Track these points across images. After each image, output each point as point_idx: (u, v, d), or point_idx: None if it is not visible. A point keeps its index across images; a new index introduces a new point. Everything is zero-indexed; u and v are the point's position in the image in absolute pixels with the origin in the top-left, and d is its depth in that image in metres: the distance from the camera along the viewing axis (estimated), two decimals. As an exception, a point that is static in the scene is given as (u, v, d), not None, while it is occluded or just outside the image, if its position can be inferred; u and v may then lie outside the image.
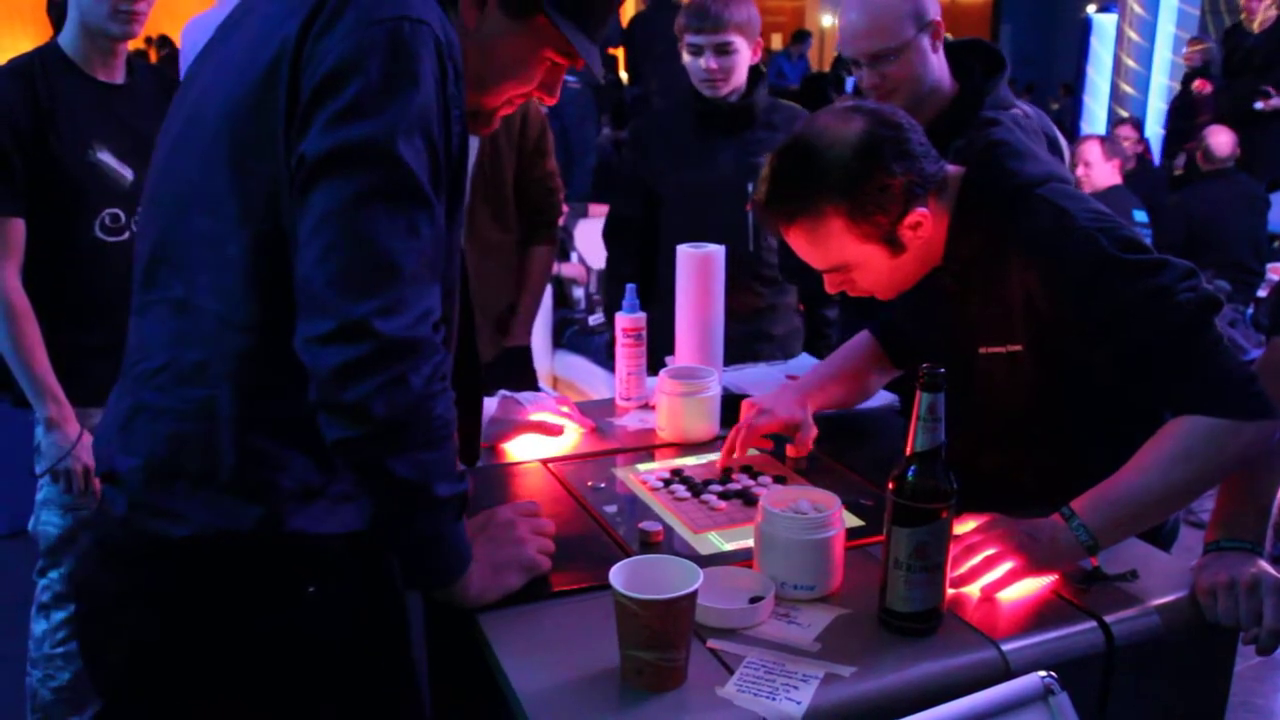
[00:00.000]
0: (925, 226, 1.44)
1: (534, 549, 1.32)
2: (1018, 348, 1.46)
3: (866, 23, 1.85)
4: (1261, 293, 4.98)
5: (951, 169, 1.50)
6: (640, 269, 2.63)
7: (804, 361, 2.44)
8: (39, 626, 2.30)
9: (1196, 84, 6.47)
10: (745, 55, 2.49)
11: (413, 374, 1.06)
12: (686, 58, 2.52)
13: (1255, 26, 6.56)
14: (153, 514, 1.15)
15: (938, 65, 1.91)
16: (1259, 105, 5.89)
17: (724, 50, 2.45)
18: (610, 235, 2.81)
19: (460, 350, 1.32)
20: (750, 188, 2.45)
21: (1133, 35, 9.22)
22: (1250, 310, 4.81)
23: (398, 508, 1.16)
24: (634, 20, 6.98)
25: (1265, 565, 1.32)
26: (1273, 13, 6.47)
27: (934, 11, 1.88)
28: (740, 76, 2.50)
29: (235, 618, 1.16)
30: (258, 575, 1.16)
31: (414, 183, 1.07)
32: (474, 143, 2.43)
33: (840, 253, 1.46)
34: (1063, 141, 2.00)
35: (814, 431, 1.72)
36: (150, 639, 1.17)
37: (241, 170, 1.11)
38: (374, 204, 1.05)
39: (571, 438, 1.84)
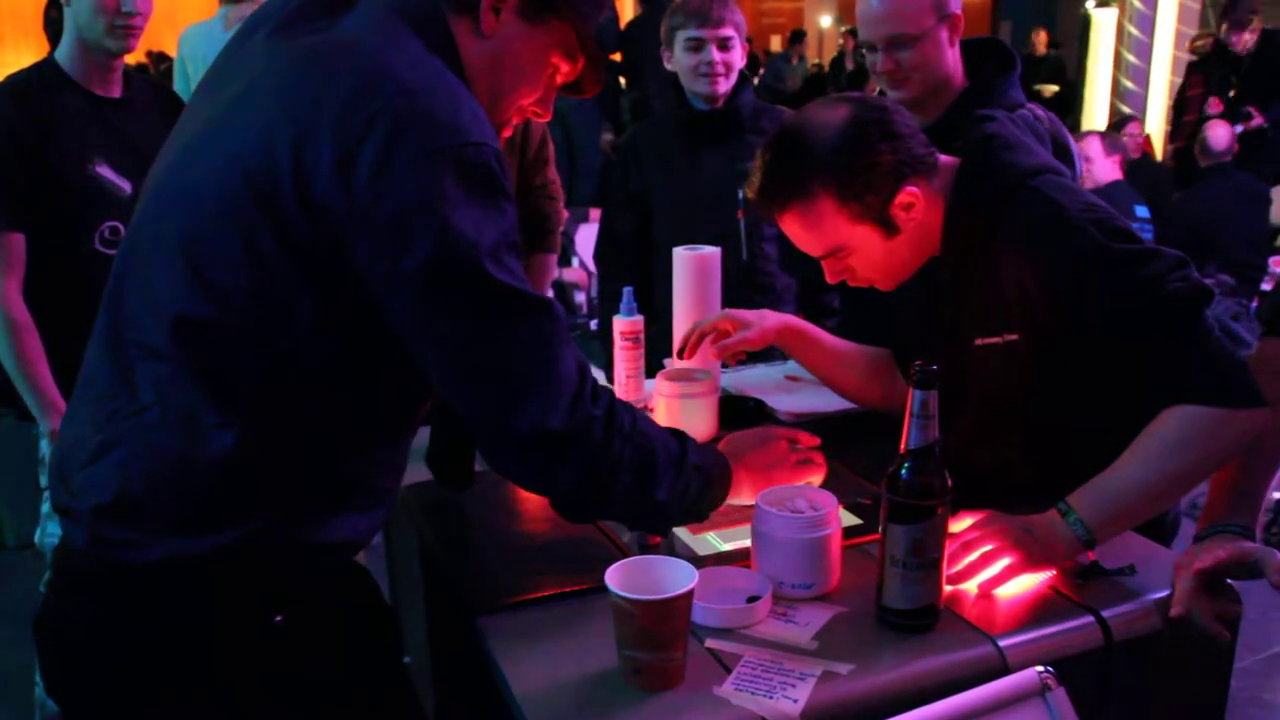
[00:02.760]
0: (918, 208, 1.45)
1: (790, 452, 1.47)
2: (1014, 337, 1.47)
3: (888, 7, 1.86)
4: (1266, 286, 4.97)
5: (946, 160, 1.51)
6: (635, 284, 2.62)
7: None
8: (46, 638, 2.31)
9: (1210, 104, 6.51)
10: (739, 55, 2.49)
11: (593, 450, 1.17)
12: (681, 56, 2.48)
13: (1239, 50, 6.70)
14: (115, 545, 1.12)
15: (952, 60, 1.91)
16: (1239, 128, 5.94)
17: (726, 45, 2.44)
18: (601, 254, 2.79)
19: None
20: (740, 195, 2.45)
21: (1132, 30, 9.20)
22: (1254, 305, 4.80)
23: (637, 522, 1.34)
24: (631, 24, 6.99)
25: (1219, 542, 1.28)
26: (1254, 36, 6.62)
27: (955, 5, 1.88)
28: (735, 76, 2.50)
29: (204, 645, 1.13)
30: (224, 602, 1.13)
31: (512, 293, 1.11)
32: None
33: (834, 235, 1.48)
34: (1074, 148, 1.98)
35: (751, 342, 1.79)
36: (123, 668, 1.15)
37: (257, 240, 1.08)
38: (492, 330, 1.11)
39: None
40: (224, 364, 1.11)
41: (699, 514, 1.35)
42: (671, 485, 1.25)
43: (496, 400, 1.14)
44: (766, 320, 1.81)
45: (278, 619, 1.14)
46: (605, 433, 1.18)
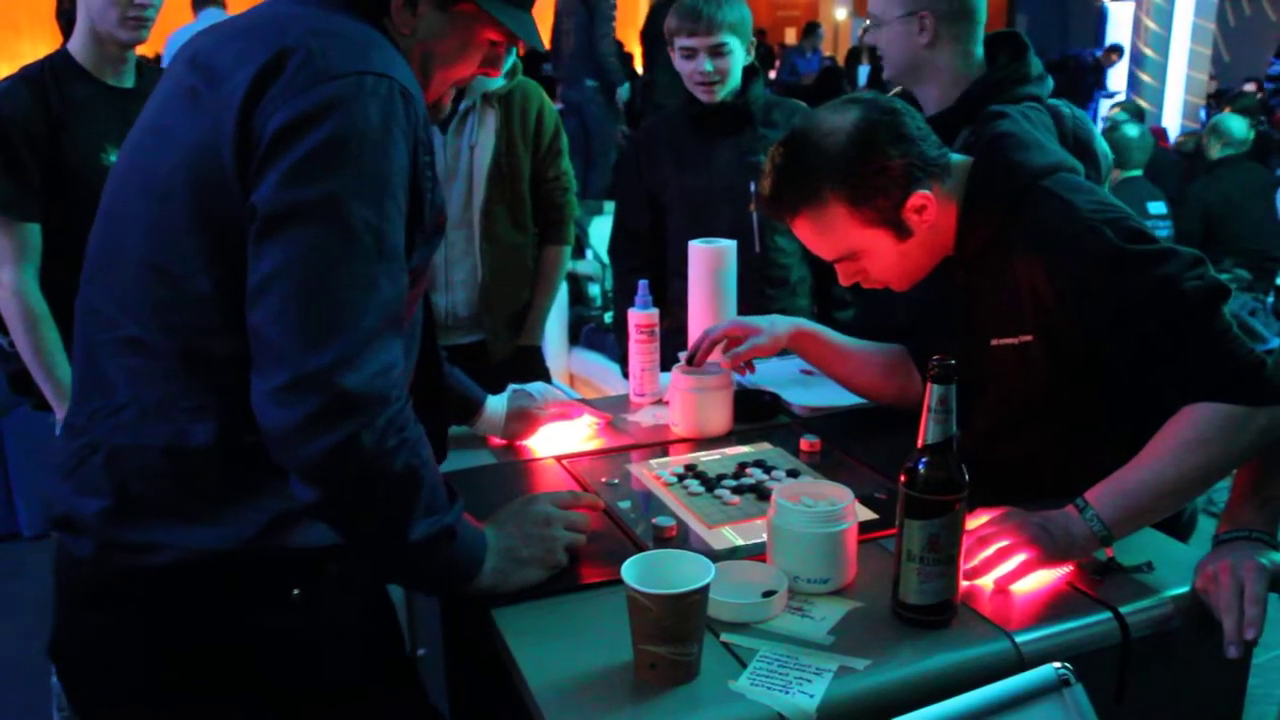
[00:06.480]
0: (930, 210, 1.45)
1: (562, 547, 1.32)
2: (1028, 338, 1.46)
3: None
4: (1282, 282, 4.94)
5: (959, 160, 1.50)
6: (649, 277, 2.62)
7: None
8: (62, 626, 2.32)
9: None
10: (739, 56, 2.46)
11: (366, 431, 1.04)
12: (679, 61, 2.48)
13: None
14: (125, 549, 1.13)
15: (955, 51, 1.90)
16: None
17: (718, 53, 2.42)
18: (614, 248, 2.79)
19: (421, 364, 1.35)
20: (753, 188, 2.45)
21: (1150, 24, 9.15)
22: (1271, 298, 4.76)
23: (374, 556, 1.17)
24: (652, 12, 6.97)
25: (1253, 552, 1.28)
26: None
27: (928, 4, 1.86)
28: (735, 77, 2.48)
29: (222, 629, 1.15)
30: (241, 586, 1.15)
31: (372, 241, 1.06)
32: (489, 145, 2.44)
33: (846, 240, 1.47)
34: (1100, 146, 1.95)
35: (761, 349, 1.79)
36: (139, 675, 1.16)
37: (200, 212, 1.10)
38: (333, 260, 1.04)
39: (586, 433, 1.85)
40: (198, 348, 1.12)
41: (432, 585, 1.27)
42: (425, 530, 1.14)
43: (300, 332, 1.04)
44: (777, 326, 1.81)
45: (295, 593, 1.17)
46: (379, 435, 1.06)
